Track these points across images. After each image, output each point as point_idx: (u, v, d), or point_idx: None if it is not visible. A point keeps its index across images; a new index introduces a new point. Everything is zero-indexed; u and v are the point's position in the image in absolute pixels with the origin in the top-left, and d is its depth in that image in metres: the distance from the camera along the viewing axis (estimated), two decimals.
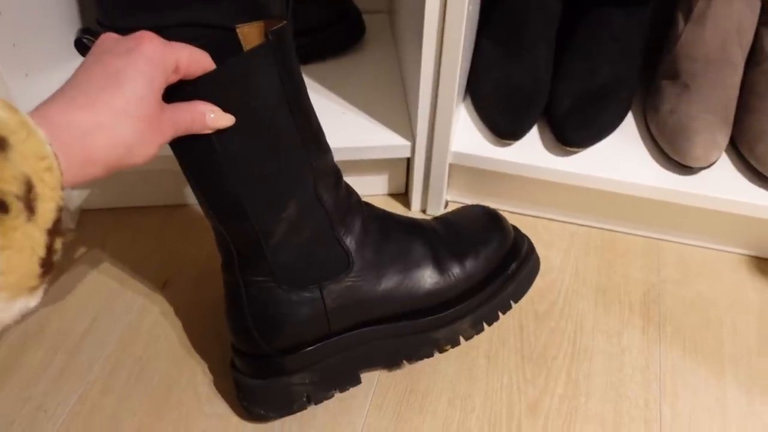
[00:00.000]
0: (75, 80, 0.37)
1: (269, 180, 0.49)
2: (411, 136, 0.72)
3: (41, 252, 0.31)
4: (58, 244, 0.32)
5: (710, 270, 0.72)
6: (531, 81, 0.73)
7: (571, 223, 0.77)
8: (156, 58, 0.38)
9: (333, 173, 0.54)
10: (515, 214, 0.77)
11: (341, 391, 0.59)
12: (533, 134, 0.74)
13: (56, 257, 0.32)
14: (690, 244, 0.75)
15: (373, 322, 0.57)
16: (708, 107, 0.68)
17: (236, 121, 0.45)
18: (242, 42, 0.49)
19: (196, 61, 0.42)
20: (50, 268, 0.32)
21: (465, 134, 0.73)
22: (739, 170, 0.70)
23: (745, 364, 0.63)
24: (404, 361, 0.60)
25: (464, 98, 0.77)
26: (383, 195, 0.80)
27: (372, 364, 0.60)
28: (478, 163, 0.72)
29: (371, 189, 0.79)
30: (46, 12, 0.72)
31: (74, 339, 0.64)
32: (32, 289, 0.31)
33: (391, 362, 0.61)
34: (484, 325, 0.60)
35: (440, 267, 0.58)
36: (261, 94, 0.45)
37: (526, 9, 0.72)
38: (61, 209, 0.32)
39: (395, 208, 0.78)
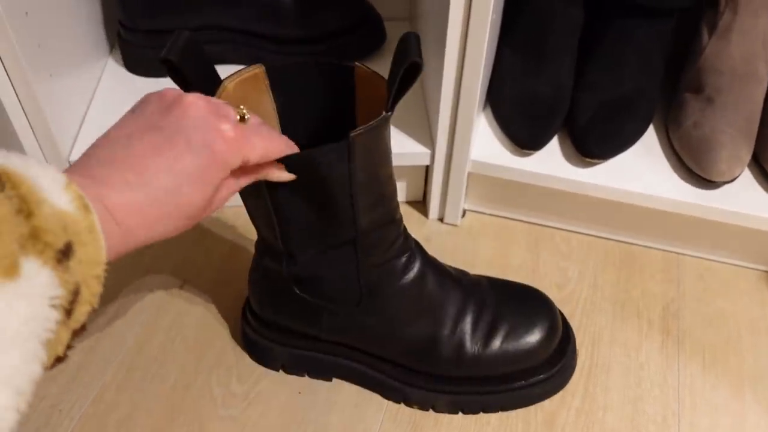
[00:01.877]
0: (140, 162, 0.35)
1: (307, 231, 0.50)
2: (430, 143, 0.72)
3: (61, 351, 0.30)
4: (74, 340, 0.32)
5: (731, 286, 0.71)
6: (552, 91, 0.72)
7: (589, 235, 0.76)
8: (226, 158, 0.37)
9: (384, 230, 0.52)
10: (533, 224, 0.77)
11: (311, 377, 0.62)
12: (553, 145, 0.73)
13: (67, 350, 0.32)
14: (711, 260, 0.74)
15: (360, 350, 0.58)
16: (732, 122, 0.67)
17: (288, 188, 0.46)
18: (356, 80, 0.50)
19: (267, 156, 0.41)
20: (61, 360, 0.31)
21: (484, 143, 0.73)
22: (762, 185, 0.69)
23: (765, 381, 0.62)
24: (372, 391, 0.61)
25: (484, 107, 0.77)
26: (401, 202, 0.80)
27: (344, 378, 0.61)
28: (498, 172, 0.71)
29: None
30: (72, 13, 0.72)
31: (91, 338, 0.64)
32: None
33: (364, 386, 0.61)
34: (461, 412, 0.59)
35: (450, 344, 0.56)
36: (322, 183, 0.46)
37: (549, 18, 0.72)
38: (94, 311, 0.31)
39: (413, 215, 0.78)
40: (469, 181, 0.75)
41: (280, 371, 0.62)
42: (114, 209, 0.33)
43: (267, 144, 0.40)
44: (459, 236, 0.76)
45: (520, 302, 0.59)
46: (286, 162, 0.44)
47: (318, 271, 0.54)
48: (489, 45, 0.64)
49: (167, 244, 0.73)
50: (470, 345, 0.56)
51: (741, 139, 0.67)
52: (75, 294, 0.29)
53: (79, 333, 0.31)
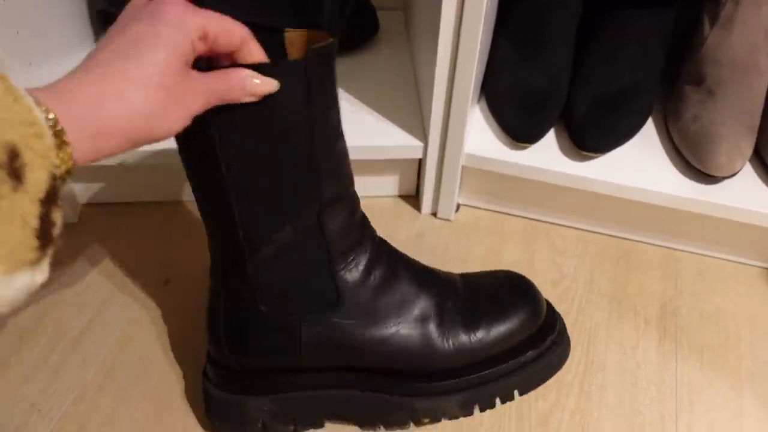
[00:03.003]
0: (96, 50, 0.35)
1: (266, 196, 0.46)
2: (423, 136, 0.70)
3: (34, 222, 0.29)
4: (56, 215, 0.30)
5: (730, 283, 0.70)
6: (548, 83, 0.71)
7: (585, 230, 0.74)
8: (178, 20, 0.36)
9: (346, 205, 0.50)
10: (528, 219, 0.75)
11: (301, 429, 0.55)
12: (549, 138, 0.72)
13: (56, 230, 0.30)
14: (709, 256, 0.72)
15: (349, 369, 0.53)
16: (733, 114, 0.65)
17: (243, 124, 0.42)
18: (287, 48, 0.46)
19: (226, 30, 0.39)
20: (49, 240, 0.30)
21: (479, 136, 0.71)
22: (763, 180, 0.68)
23: (763, 379, 0.61)
24: (379, 424, 0.55)
25: (479, 99, 0.75)
26: (393, 196, 0.78)
27: (338, 415, 0.55)
28: (492, 166, 0.70)
29: (381, 190, 0.77)
30: None
31: (72, 336, 0.63)
32: (32, 263, 0.29)
33: (360, 420, 0.55)
34: (476, 409, 0.55)
35: (442, 332, 0.52)
36: (278, 109, 0.42)
37: (545, 9, 0.70)
38: (56, 178, 0.30)
39: (405, 209, 0.76)
40: (463, 175, 0.73)
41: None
42: (68, 85, 0.32)
43: (223, 18, 0.39)
44: (452, 231, 0.74)
45: (494, 281, 0.57)
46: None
47: (287, 271, 0.49)
48: (484, 35, 0.62)
49: (151, 241, 0.71)
50: (462, 330, 0.53)
51: (742, 131, 0.65)
52: (11, 153, 0.28)
53: (53, 204, 0.29)
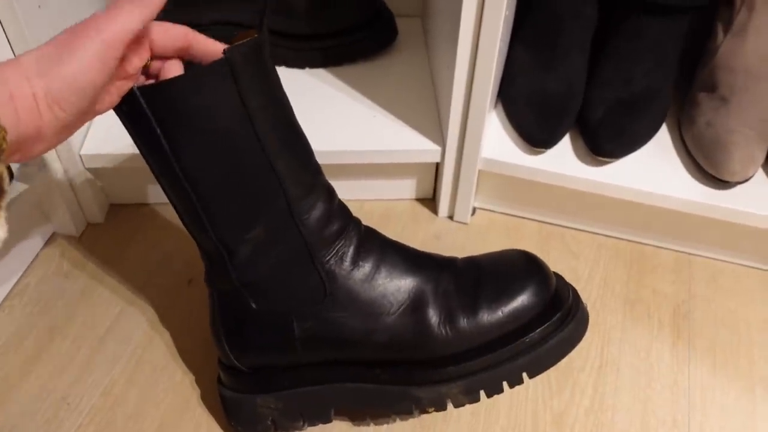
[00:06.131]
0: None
1: (228, 199, 0.46)
2: (441, 141, 0.72)
3: None
4: (0, 167, 0.33)
5: (743, 287, 0.71)
6: (564, 89, 0.72)
7: (600, 234, 0.76)
8: (98, 15, 0.38)
9: (319, 196, 0.49)
10: (543, 223, 0.77)
11: (309, 425, 0.56)
12: (565, 143, 0.73)
13: (4, 183, 0.33)
14: (723, 260, 0.73)
15: (348, 362, 0.52)
16: (746, 121, 0.66)
17: (188, 134, 0.43)
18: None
19: (164, 29, 0.42)
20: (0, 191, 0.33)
21: (495, 141, 0.73)
22: None
23: None
24: (386, 414, 0.55)
25: (496, 104, 0.77)
26: (410, 199, 0.79)
27: (344, 408, 0.55)
28: (508, 170, 0.71)
29: (399, 193, 0.79)
30: None
31: (100, 332, 0.64)
32: None
33: (366, 411, 0.56)
34: (482, 395, 0.52)
35: (439, 318, 0.50)
36: (215, 113, 0.43)
37: (561, 15, 0.72)
38: None
39: (422, 212, 0.78)
40: (479, 179, 0.74)
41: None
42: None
43: (158, 23, 0.42)
44: (469, 234, 0.75)
45: (495, 260, 0.55)
46: (163, 90, 0.42)
47: (270, 268, 0.49)
48: (502, 42, 0.64)
49: (176, 241, 0.73)
50: (461, 314, 0.51)
51: (755, 138, 0.66)
52: None
53: None
